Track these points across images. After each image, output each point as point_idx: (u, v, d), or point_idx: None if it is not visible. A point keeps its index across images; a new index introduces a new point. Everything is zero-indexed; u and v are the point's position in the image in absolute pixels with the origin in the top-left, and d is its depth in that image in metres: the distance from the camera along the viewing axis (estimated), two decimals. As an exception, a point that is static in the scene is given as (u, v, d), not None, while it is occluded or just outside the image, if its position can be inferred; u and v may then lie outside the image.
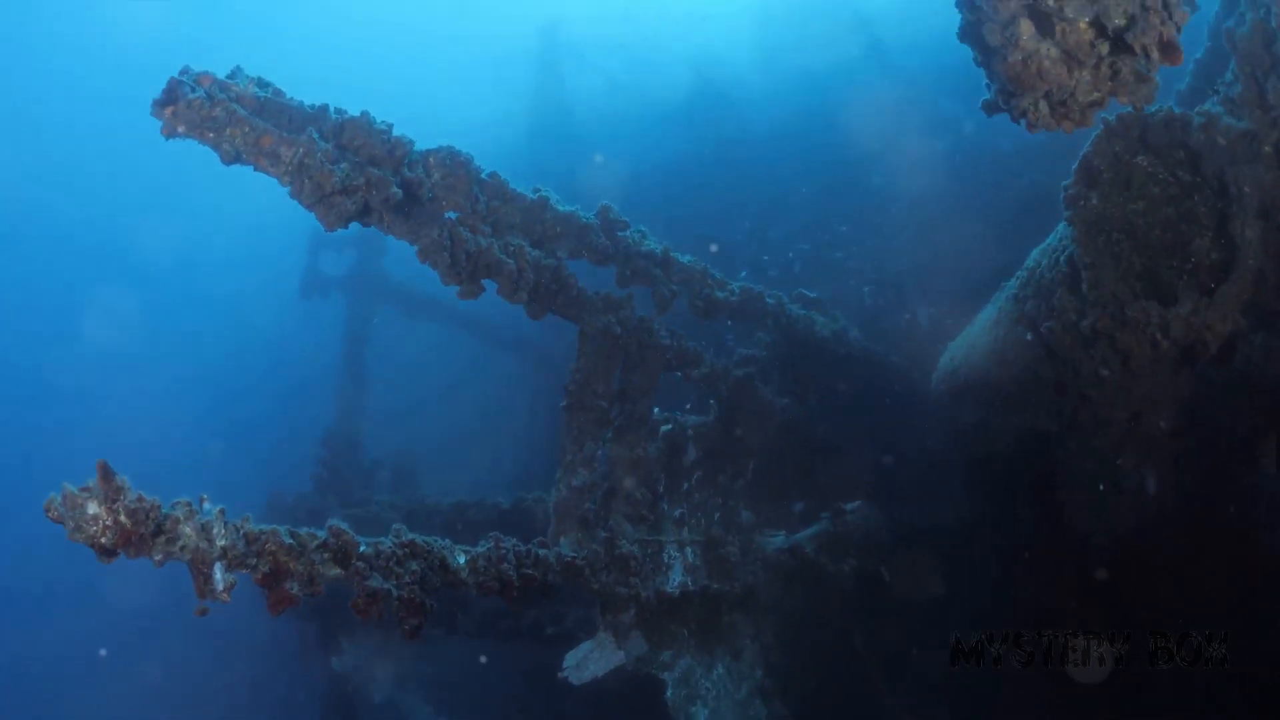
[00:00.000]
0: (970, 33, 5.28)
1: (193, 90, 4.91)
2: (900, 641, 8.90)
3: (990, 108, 5.93)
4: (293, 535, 4.44)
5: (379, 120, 5.61)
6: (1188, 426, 7.25)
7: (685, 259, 7.45)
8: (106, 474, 3.47)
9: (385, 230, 5.63)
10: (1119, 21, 4.38)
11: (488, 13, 35.84)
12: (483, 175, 6.01)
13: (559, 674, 7.32)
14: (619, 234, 6.80)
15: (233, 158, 5.05)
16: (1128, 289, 6.50)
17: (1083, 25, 4.59)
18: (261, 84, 5.41)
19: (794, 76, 14.21)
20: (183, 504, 3.82)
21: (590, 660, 7.48)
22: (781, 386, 8.88)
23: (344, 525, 4.92)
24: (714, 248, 11.55)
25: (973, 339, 8.29)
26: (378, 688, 10.50)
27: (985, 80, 5.72)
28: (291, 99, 5.41)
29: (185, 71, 5.08)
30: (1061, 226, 7.14)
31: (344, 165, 5.22)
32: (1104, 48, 4.72)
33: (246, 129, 4.98)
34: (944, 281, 10.81)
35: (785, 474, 9.22)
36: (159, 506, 3.66)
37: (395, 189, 5.36)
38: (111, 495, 3.46)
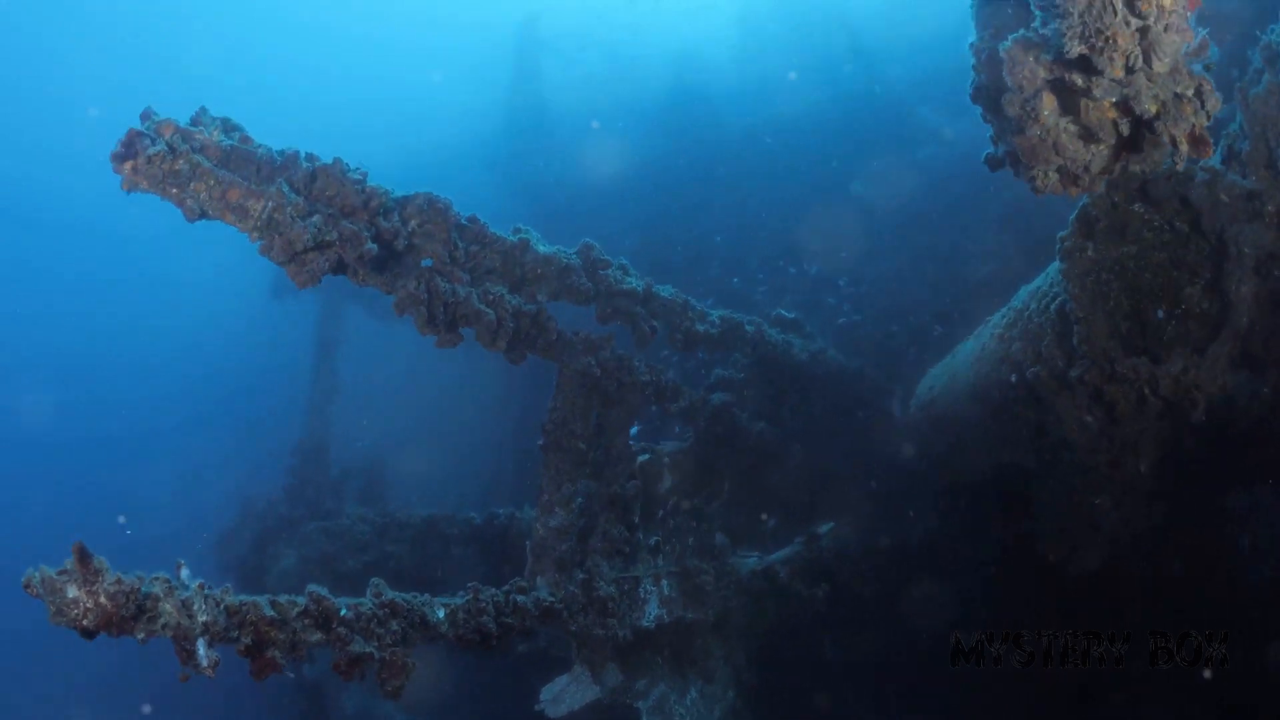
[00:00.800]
0: (984, 96, 4.91)
1: (153, 142, 4.42)
2: (871, 652, 8.74)
3: (994, 164, 5.58)
4: (273, 605, 4.29)
5: (353, 167, 5.14)
6: (1167, 468, 7.06)
7: (666, 293, 7.07)
8: (84, 556, 3.37)
9: (359, 283, 5.20)
10: (1150, 108, 4.03)
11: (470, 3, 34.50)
12: (461, 220, 5.57)
13: (535, 707, 7.12)
14: (600, 273, 6.39)
15: (197, 214, 4.59)
16: (1119, 345, 6.22)
17: (1107, 104, 4.24)
18: (228, 128, 4.92)
19: (775, 79, 13.74)
20: (161, 580, 3.70)
21: (566, 694, 7.28)
22: (757, 409, 8.59)
23: (321, 589, 4.63)
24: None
25: (954, 371, 8.02)
26: (349, 697, 10.16)
27: (991, 136, 5.38)
28: (259, 146, 4.92)
29: (146, 116, 4.59)
30: (1053, 269, 6.85)
31: (316, 219, 4.77)
32: (1125, 127, 4.38)
33: (212, 182, 4.51)
34: (923, 293, 10.53)
35: (759, 492, 8.96)
36: (139, 587, 3.56)
37: (370, 245, 4.92)
38: (90, 578, 3.37)
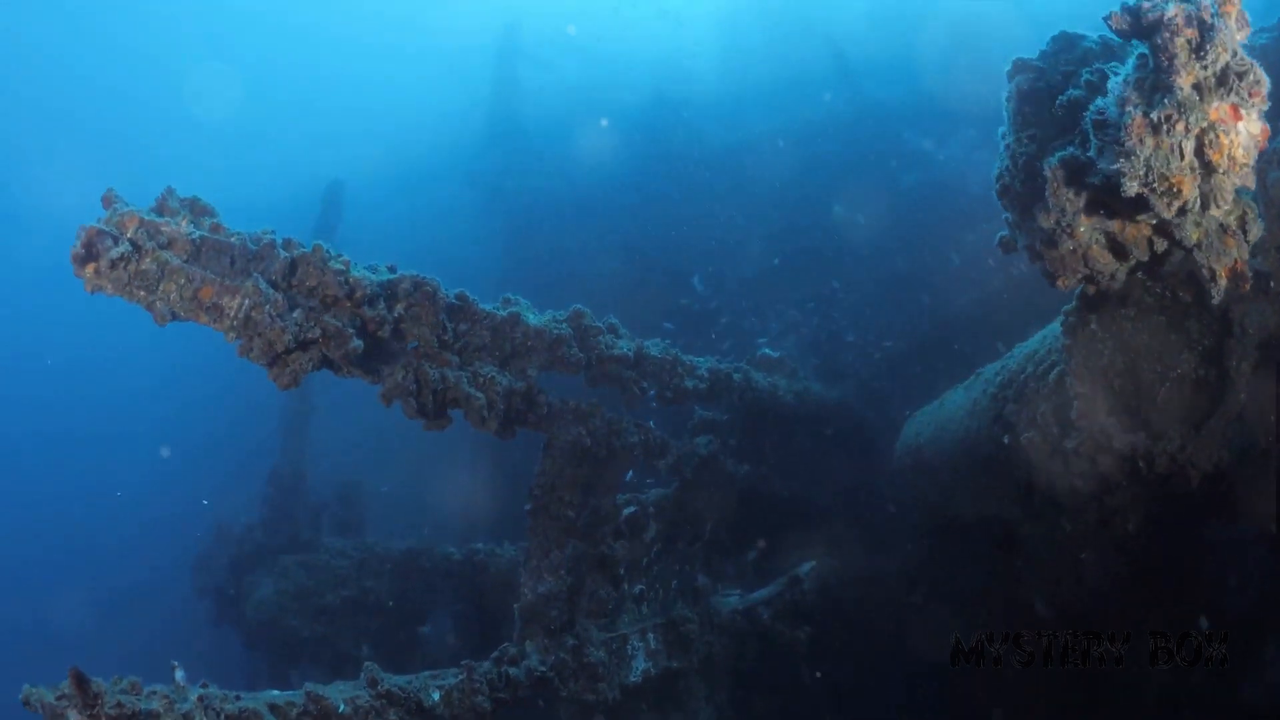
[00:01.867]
0: (1011, 196, 4.53)
1: (115, 242, 3.92)
2: (853, 685, 8.54)
3: (1008, 248, 5.23)
4: (273, 709, 4.30)
5: (333, 254, 4.64)
6: (1154, 525, 6.85)
7: (655, 351, 6.67)
8: (81, 681, 3.30)
9: (343, 377, 4.73)
10: (1191, 236, 3.67)
11: (448, 7, 32.91)
12: (450, 300, 5.11)
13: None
14: (592, 340, 5.98)
15: (168, 317, 4.10)
16: (1116, 422, 5.93)
17: (1146, 225, 3.87)
18: (196, 211, 4.41)
19: (757, 96, 13.16)
20: (160, 696, 3.61)
21: (555, 748, 6.99)
22: (741, 451, 8.26)
23: (318, 688, 4.60)
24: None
25: (942, 422, 7.71)
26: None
27: (1009, 221, 5.01)
28: (233, 234, 4.42)
29: (108, 202, 4.09)
30: (1050, 333, 6.53)
31: (297, 314, 4.32)
32: (1161, 245, 4.03)
33: (182, 281, 4.04)
34: (904, 319, 10.17)
35: (740, 528, 8.67)
36: (140, 706, 3.45)
37: (355, 342, 4.46)
38: (89, 702, 3.30)
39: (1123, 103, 3.10)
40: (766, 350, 8.60)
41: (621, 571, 7.17)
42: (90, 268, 3.86)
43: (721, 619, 8.03)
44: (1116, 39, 4.15)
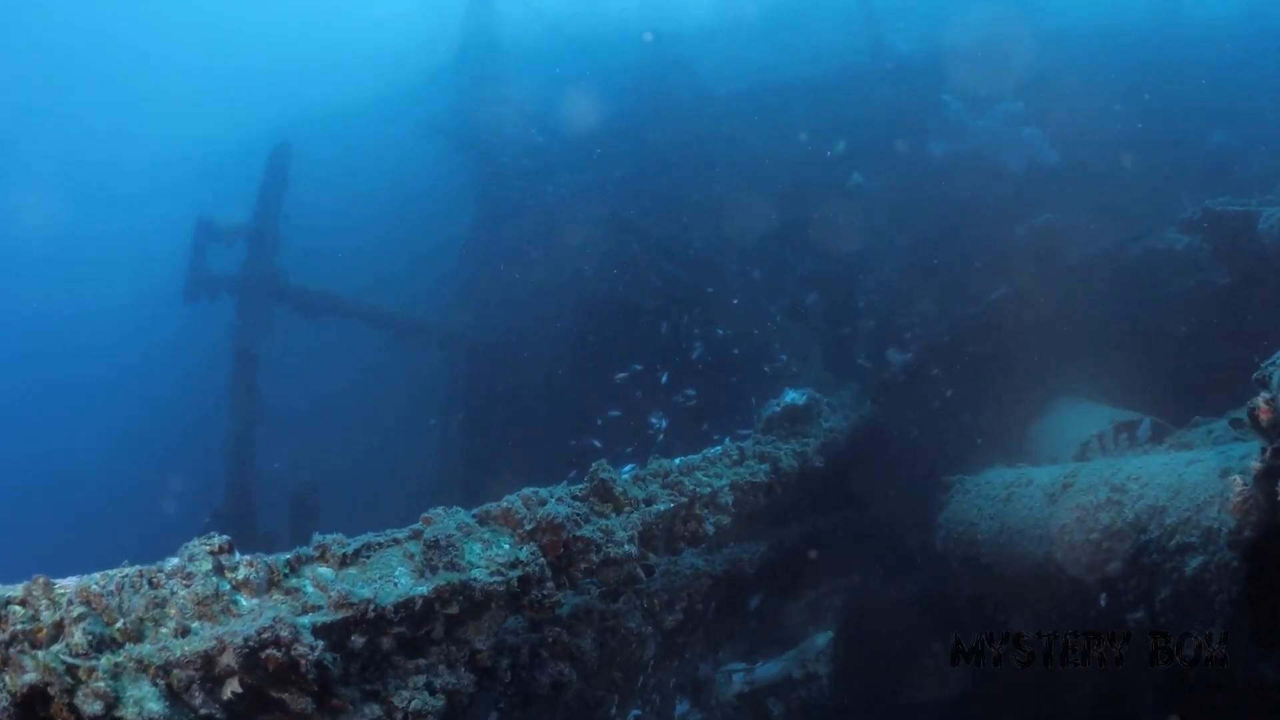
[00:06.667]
0: None
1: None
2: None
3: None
4: None
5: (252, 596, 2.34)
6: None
7: (663, 504, 4.36)
8: None
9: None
10: None
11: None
12: (318, 653, 2.73)
13: None
14: (578, 557, 3.69)
15: None
16: (1258, 652, 3.95)
17: None
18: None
19: (757, 29, 9.88)
20: None
21: None
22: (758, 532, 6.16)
23: None
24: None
25: (1010, 526, 5.59)
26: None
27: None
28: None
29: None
30: (1188, 493, 4.31)
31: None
32: None
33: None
34: (929, 308, 7.75)
35: (742, 584, 6.72)
36: None
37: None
38: None
39: None
40: (792, 396, 6.26)
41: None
42: None
43: (728, 713, 6.21)
44: None
